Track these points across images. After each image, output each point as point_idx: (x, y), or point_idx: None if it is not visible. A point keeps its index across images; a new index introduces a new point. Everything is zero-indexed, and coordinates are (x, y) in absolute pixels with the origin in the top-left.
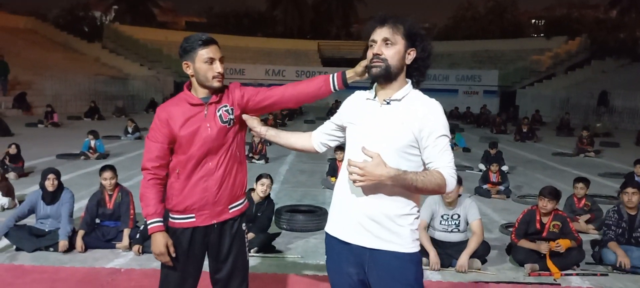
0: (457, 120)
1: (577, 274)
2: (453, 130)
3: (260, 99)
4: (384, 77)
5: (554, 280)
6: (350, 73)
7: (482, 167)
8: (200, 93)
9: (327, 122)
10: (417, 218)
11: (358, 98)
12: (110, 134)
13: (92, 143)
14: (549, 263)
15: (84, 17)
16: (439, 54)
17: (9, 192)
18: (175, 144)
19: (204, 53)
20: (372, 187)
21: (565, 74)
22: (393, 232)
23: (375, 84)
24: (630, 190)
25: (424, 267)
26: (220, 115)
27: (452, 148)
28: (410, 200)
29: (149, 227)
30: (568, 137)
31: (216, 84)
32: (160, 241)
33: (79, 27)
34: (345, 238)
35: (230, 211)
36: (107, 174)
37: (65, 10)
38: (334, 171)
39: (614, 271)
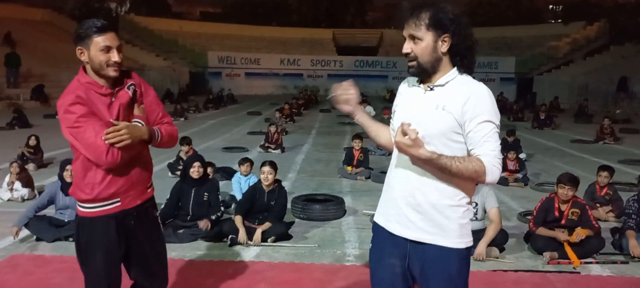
0: None
1: (597, 262)
2: None
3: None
4: (422, 74)
5: (574, 268)
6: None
7: None
8: (101, 81)
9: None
10: (466, 210)
11: (407, 84)
12: None
13: None
14: (569, 251)
15: (100, 8)
16: None
17: (28, 183)
18: None
19: (100, 41)
20: (419, 176)
21: (584, 60)
22: (438, 225)
23: None
24: None
25: None
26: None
27: None
28: (459, 190)
29: None
30: (587, 124)
31: (112, 73)
32: None
33: (94, 18)
34: (391, 229)
35: (149, 190)
36: None
37: (81, 1)
38: (350, 160)
39: (635, 259)
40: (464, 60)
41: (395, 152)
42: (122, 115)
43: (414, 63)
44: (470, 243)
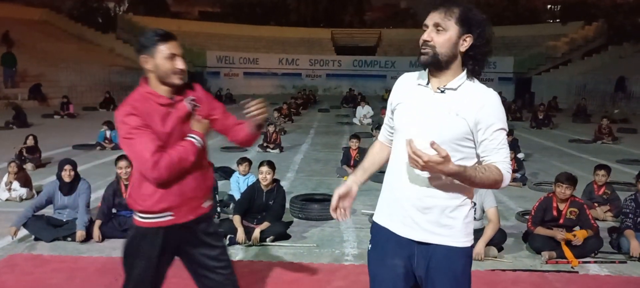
0: None
1: (595, 262)
2: None
3: (220, 119)
4: (433, 65)
5: (572, 267)
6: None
7: None
8: (161, 90)
9: (386, 117)
10: (471, 209)
11: (408, 81)
12: None
13: (108, 133)
14: (566, 251)
15: (98, 8)
16: None
17: (26, 183)
18: None
19: (164, 48)
20: (426, 178)
21: (582, 60)
22: (444, 225)
23: (427, 70)
24: None
25: None
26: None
27: None
28: (464, 193)
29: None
30: (585, 124)
31: (177, 80)
32: None
33: (93, 18)
34: (395, 230)
35: (205, 206)
36: (123, 163)
37: (79, 1)
38: (348, 160)
39: (632, 259)
40: (476, 66)
41: (396, 153)
42: (178, 128)
43: (428, 51)
44: (473, 242)
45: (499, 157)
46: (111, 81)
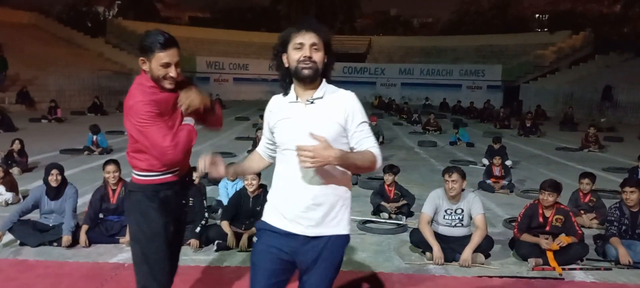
0: (461, 115)
1: (581, 268)
2: (457, 125)
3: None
4: (313, 78)
5: (559, 274)
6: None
7: (485, 162)
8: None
9: (264, 134)
10: (349, 201)
11: (278, 102)
12: (114, 129)
13: (95, 138)
14: (551, 260)
15: (87, 12)
16: (442, 48)
17: (12, 187)
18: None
19: (162, 56)
20: (317, 179)
21: (569, 69)
22: (334, 218)
23: (292, 88)
24: (628, 189)
25: (427, 262)
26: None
27: (456, 142)
28: (348, 188)
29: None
30: (572, 132)
31: (167, 85)
32: None
33: (82, 22)
34: (286, 227)
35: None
36: (110, 168)
37: (68, 5)
38: None
39: (617, 266)
40: (329, 75)
41: (285, 163)
42: (176, 116)
43: (312, 66)
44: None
45: (369, 144)
46: (100, 85)
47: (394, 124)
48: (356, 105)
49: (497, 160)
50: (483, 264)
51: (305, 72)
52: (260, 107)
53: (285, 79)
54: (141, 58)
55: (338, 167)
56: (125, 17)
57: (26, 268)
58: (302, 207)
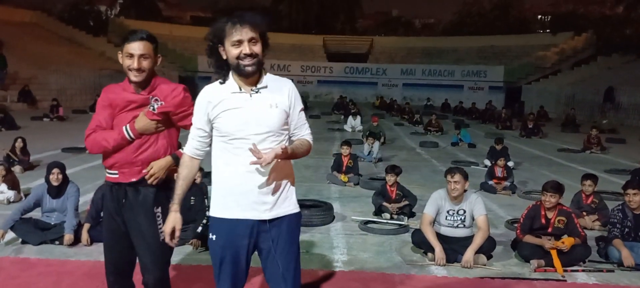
0: (463, 115)
1: (583, 270)
2: (458, 125)
3: (181, 121)
4: (256, 73)
5: (561, 276)
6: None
7: (487, 163)
8: (133, 84)
9: (194, 132)
10: (293, 178)
11: (218, 92)
12: None
13: None
14: (555, 259)
15: (89, 11)
16: (444, 49)
17: (14, 186)
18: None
19: (128, 47)
20: (266, 168)
21: (571, 70)
22: (286, 199)
23: (231, 77)
24: (631, 191)
25: (429, 262)
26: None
27: (457, 143)
28: (289, 167)
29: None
30: (574, 133)
31: (132, 77)
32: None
33: (84, 21)
34: (243, 216)
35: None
36: None
37: (70, 4)
38: (339, 166)
39: (620, 268)
40: (263, 61)
41: (232, 154)
42: (128, 118)
43: (255, 62)
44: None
45: (305, 131)
46: (101, 84)
47: (396, 124)
48: (297, 93)
49: (500, 162)
50: (485, 265)
51: (249, 69)
52: None
53: (223, 68)
54: (118, 52)
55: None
56: (127, 16)
57: (28, 267)
58: (256, 192)
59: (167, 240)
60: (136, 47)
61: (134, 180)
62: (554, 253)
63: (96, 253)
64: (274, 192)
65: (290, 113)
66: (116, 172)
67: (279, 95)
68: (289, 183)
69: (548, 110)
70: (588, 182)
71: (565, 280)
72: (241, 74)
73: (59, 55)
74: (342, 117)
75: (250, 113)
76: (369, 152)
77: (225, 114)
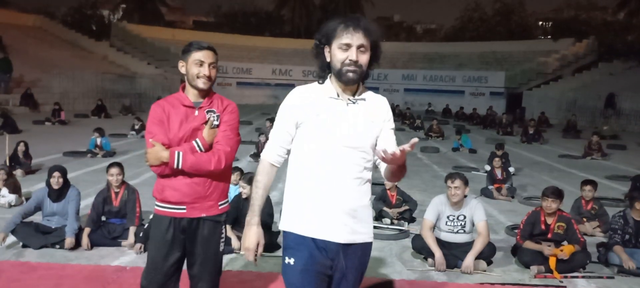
0: (464, 121)
1: (583, 276)
2: (459, 131)
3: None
4: (357, 82)
5: (560, 282)
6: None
7: (488, 168)
8: (190, 94)
9: (277, 137)
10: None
11: (312, 95)
12: (117, 132)
13: (99, 141)
14: (552, 265)
15: (92, 15)
16: (445, 55)
17: (15, 189)
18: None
19: (197, 55)
20: (352, 184)
21: (573, 76)
22: (364, 224)
23: (330, 81)
24: (637, 205)
25: (429, 268)
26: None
27: (458, 148)
28: (370, 193)
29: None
30: (575, 139)
31: (201, 84)
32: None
33: (86, 25)
34: (322, 236)
35: (220, 207)
36: (114, 171)
37: (73, 8)
38: None
39: (620, 273)
40: (366, 77)
41: (315, 163)
42: (190, 131)
43: (357, 70)
44: None
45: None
46: (104, 88)
47: (397, 129)
48: (391, 112)
49: (496, 162)
50: (485, 271)
51: (351, 75)
52: (263, 111)
53: (325, 71)
54: (180, 61)
55: (367, 173)
56: (129, 21)
57: (28, 270)
58: (340, 211)
59: (250, 257)
60: (206, 55)
61: (204, 215)
62: (551, 258)
63: (96, 257)
64: (357, 214)
65: (382, 130)
66: (184, 207)
67: (376, 110)
68: (369, 209)
69: (549, 116)
70: (588, 188)
71: (565, 286)
72: (342, 79)
73: (61, 59)
74: None
75: (349, 123)
76: None
77: (319, 119)
